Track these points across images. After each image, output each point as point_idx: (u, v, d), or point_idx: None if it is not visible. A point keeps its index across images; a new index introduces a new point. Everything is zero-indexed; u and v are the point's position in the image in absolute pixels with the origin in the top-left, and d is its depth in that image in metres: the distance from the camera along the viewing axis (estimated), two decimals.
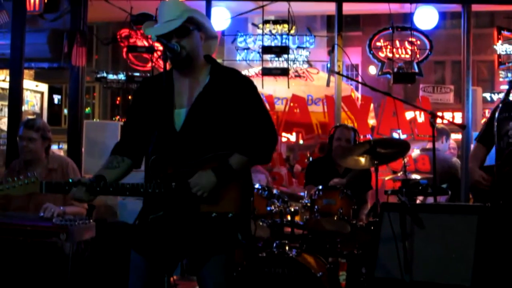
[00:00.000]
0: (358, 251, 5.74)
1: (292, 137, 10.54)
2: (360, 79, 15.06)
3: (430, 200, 6.43)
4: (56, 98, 24.43)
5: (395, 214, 4.82)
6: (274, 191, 5.95)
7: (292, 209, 5.80)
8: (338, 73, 8.05)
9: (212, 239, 3.62)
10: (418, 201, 6.31)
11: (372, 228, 5.72)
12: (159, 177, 3.58)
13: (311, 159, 9.00)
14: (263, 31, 9.36)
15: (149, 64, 9.36)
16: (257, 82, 3.91)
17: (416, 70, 9.08)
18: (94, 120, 23.30)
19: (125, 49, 9.36)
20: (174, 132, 3.67)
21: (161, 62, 3.94)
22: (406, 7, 9.07)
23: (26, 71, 9.82)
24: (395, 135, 8.91)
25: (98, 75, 10.16)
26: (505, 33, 9.68)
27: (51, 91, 19.42)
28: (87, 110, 24.32)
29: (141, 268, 3.69)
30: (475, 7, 9.14)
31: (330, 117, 9.24)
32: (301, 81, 11.46)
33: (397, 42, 9.24)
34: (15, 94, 8.77)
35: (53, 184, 3.68)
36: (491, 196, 5.35)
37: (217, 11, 9.14)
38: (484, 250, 4.63)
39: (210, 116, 3.67)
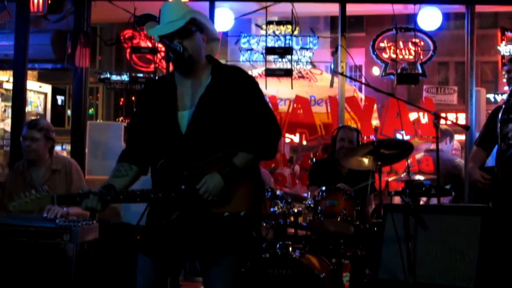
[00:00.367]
0: (362, 252, 5.73)
1: (296, 138, 10.54)
2: (363, 80, 15.04)
3: (434, 201, 6.42)
4: (60, 99, 24.48)
5: (399, 215, 4.81)
6: (277, 192, 5.95)
7: (296, 210, 5.80)
8: (342, 74, 8.04)
9: (226, 238, 3.62)
10: (421, 202, 6.31)
11: (375, 229, 5.72)
12: (169, 181, 3.57)
13: (314, 160, 9.00)
14: (266, 32, 9.36)
15: (153, 65, 9.36)
16: (260, 83, 3.90)
17: (420, 71, 9.07)
18: (98, 121, 23.34)
19: (128, 50, 9.37)
20: (179, 135, 3.67)
21: (164, 63, 3.96)
22: (410, 8, 9.06)
23: (29, 72, 9.81)
24: (399, 136, 8.89)
25: (102, 76, 10.16)
26: (509, 34, 9.67)
27: (55, 92, 19.43)
28: (91, 111, 24.34)
29: (149, 271, 3.69)
30: (479, 8, 9.13)
31: (333, 118, 9.23)
32: (305, 82, 11.47)
33: (401, 43, 9.23)
34: (19, 95, 8.78)
35: (65, 196, 3.67)
36: (491, 196, 5.35)
37: (221, 12, 9.13)
38: (488, 251, 4.62)
39: (214, 116, 3.66)
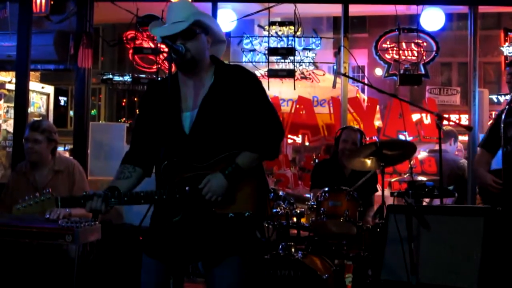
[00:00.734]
0: (364, 253, 5.73)
1: (298, 139, 10.53)
2: (366, 81, 15.03)
3: (437, 202, 6.41)
4: (62, 99, 24.50)
5: (401, 216, 4.81)
6: (280, 193, 5.94)
7: (298, 211, 5.80)
8: (344, 74, 8.02)
9: (230, 239, 3.62)
10: (424, 203, 6.30)
11: (378, 230, 5.71)
12: (173, 182, 3.56)
13: (317, 161, 8.99)
14: (269, 33, 9.35)
15: (155, 66, 9.35)
16: (263, 83, 3.89)
17: (423, 72, 9.06)
18: (100, 121, 23.38)
19: (131, 51, 9.36)
20: (183, 136, 3.66)
21: (166, 64, 3.96)
22: (413, 9, 9.05)
23: (32, 73, 9.83)
24: (402, 137, 8.88)
25: (104, 77, 10.17)
26: None
27: (57, 93, 19.45)
28: (93, 112, 24.37)
29: (153, 272, 3.69)
30: (482, 9, 9.11)
31: (336, 118, 9.22)
32: (307, 82, 11.43)
33: (404, 44, 9.21)
34: (21, 96, 8.77)
35: (69, 199, 3.67)
36: (500, 199, 5.34)
37: (223, 13, 9.13)
38: (491, 252, 4.61)
39: (218, 116, 3.65)
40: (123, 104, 26.85)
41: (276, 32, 9.42)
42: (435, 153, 8.65)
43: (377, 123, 10.15)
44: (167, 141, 3.60)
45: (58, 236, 4.83)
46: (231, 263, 3.63)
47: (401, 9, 9.17)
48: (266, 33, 9.48)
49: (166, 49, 8.39)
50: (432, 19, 8.99)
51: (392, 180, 7.79)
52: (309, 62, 10.22)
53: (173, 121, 3.65)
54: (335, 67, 8.25)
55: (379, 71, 17.25)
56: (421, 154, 9.17)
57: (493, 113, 14.84)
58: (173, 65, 3.67)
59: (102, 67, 23.41)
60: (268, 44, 9.34)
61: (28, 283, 5.12)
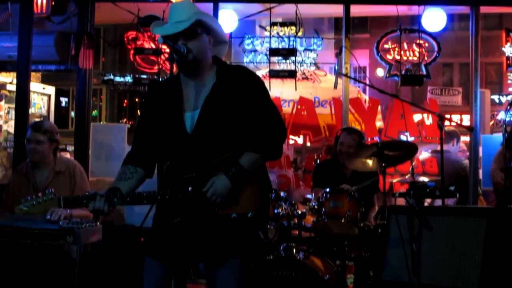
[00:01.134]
0: (366, 253, 5.72)
1: (300, 140, 10.51)
2: (367, 81, 15.02)
3: (438, 202, 6.40)
4: (63, 100, 24.53)
5: (403, 216, 4.81)
6: (281, 193, 5.94)
7: (300, 212, 5.80)
8: (346, 75, 8.02)
9: (233, 240, 3.61)
10: (426, 204, 6.29)
11: (379, 230, 5.71)
12: (175, 183, 3.55)
13: (318, 161, 8.98)
14: (270, 33, 9.34)
15: (156, 66, 9.35)
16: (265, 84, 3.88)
17: (424, 72, 9.05)
18: (101, 122, 23.39)
19: (132, 52, 9.36)
20: (186, 136, 3.65)
21: (168, 64, 3.94)
22: (414, 9, 9.04)
23: (33, 74, 9.81)
24: (403, 138, 8.87)
25: (105, 78, 10.18)
26: None
27: (58, 94, 19.45)
28: (94, 112, 24.39)
29: (156, 273, 3.68)
30: (484, 9, 9.10)
31: (337, 119, 9.20)
32: (309, 83, 11.46)
33: (405, 44, 9.20)
34: (22, 97, 8.78)
35: (71, 199, 3.66)
36: (505, 197, 5.35)
37: (225, 13, 9.13)
38: (493, 253, 4.60)
39: (220, 117, 3.64)
40: (124, 105, 26.87)
41: (278, 33, 9.43)
42: (437, 154, 8.64)
43: (379, 123, 10.14)
44: (170, 142, 3.59)
45: (59, 237, 4.83)
46: (233, 264, 3.62)
47: (403, 10, 9.16)
48: (267, 33, 9.48)
49: (167, 50, 8.39)
50: (434, 19, 8.98)
51: (394, 180, 7.77)
52: (310, 63, 10.23)
53: (175, 121, 3.64)
54: (336, 67, 8.23)
55: (380, 72, 17.28)
56: (423, 154, 9.16)
57: (495, 113, 14.88)
58: (174, 66, 3.66)
59: (103, 67, 23.43)
60: (270, 44, 9.34)
61: (29, 283, 5.13)
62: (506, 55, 9.39)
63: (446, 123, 5.93)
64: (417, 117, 9.63)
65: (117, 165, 3.90)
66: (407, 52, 9.21)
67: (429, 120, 9.20)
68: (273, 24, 9.33)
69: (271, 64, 9.38)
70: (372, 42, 9.73)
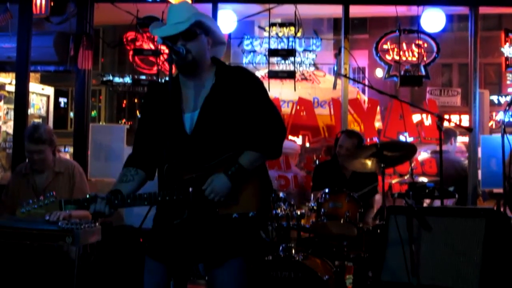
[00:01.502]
0: (365, 254, 5.72)
1: (299, 140, 10.51)
2: (366, 82, 15.03)
3: (437, 203, 6.41)
4: (62, 101, 24.51)
5: (402, 217, 4.81)
6: (281, 194, 5.93)
7: (299, 212, 5.80)
8: (345, 76, 8.03)
9: (234, 240, 3.61)
10: (425, 204, 6.30)
11: (378, 231, 5.71)
12: (176, 184, 3.55)
13: (317, 162, 8.98)
14: (269, 34, 9.34)
15: (155, 67, 9.35)
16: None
17: (423, 73, 9.05)
18: (100, 123, 23.35)
19: (131, 52, 9.36)
20: (185, 137, 3.65)
21: (167, 65, 3.94)
22: (413, 10, 9.04)
23: (32, 74, 9.81)
24: (402, 138, 8.88)
25: (104, 78, 10.14)
26: None
27: (57, 94, 19.46)
28: (93, 113, 24.38)
29: (157, 274, 3.68)
30: (483, 10, 9.11)
31: (336, 120, 9.21)
32: (308, 84, 11.45)
33: (404, 45, 9.20)
34: (21, 97, 8.78)
35: (72, 201, 3.66)
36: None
37: (224, 14, 9.13)
38: (492, 254, 4.60)
39: (220, 118, 3.65)
40: (123, 105, 26.86)
41: (277, 33, 9.42)
42: (437, 154, 8.65)
43: (378, 124, 10.14)
44: (169, 143, 3.59)
45: (58, 237, 4.83)
46: (234, 264, 3.63)
47: (402, 10, 9.17)
48: (266, 34, 9.47)
49: (166, 51, 8.39)
50: (433, 20, 8.98)
51: (393, 181, 7.77)
52: (309, 63, 10.21)
53: (174, 122, 3.64)
54: (335, 68, 8.22)
55: (379, 72, 17.23)
56: (422, 155, 9.17)
57: (494, 114, 14.87)
58: (173, 67, 3.66)
59: (102, 68, 23.40)
60: (269, 45, 9.33)
61: (28, 284, 5.13)
62: (505, 55, 9.38)
63: (445, 123, 5.93)
64: (416, 118, 9.63)
65: (116, 165, 3.91)
66: (406, 53, 9.21)
67: (428, 120, 9.20)
68: (272, 24, 9.33)
69: (270, 64, 9.38)
70: (371, 42, 9.73)
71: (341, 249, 5.83)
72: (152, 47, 9.29)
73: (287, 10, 9.06)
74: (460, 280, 4.61)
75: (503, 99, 15.40)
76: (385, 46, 9.33)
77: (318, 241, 5.96)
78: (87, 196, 3.56)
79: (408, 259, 4.65)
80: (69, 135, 10.71)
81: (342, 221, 5.72)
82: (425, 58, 9.13)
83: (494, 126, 14.18)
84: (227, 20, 9.14)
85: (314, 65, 10.39)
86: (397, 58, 9.16)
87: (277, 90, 9.95)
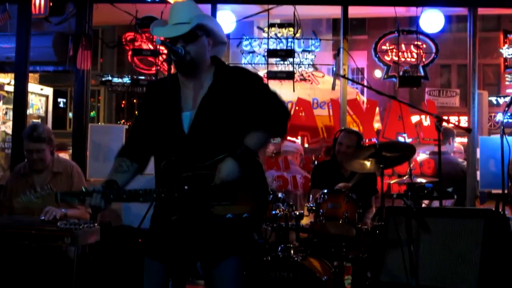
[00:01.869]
0: (364, 255, 5.71)
1: (298, 141, 10.50)
2: (365, 83, 15.05)
3: (436, 204, 6.41)
4: (61, 101, 24.46)
5: (401, 218, 4.81)
6: (279, 194, 5.94)
7: (297, 213, 5.80)
8: (344, 76, 8.02)
9: (228, 240, 3.62)
10: (423, 205, 6.29)
11: (377, 232, 5.70)
12: (172, 181, 3.55)
13: (316, 162, 8.98)
14: (268, 35, 9.34)
15: (154, 68, 9.35)
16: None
17: (422, 74, 9.05)
18: (99, 123, 23.32)
19: (130, 53, 9.36)
20: (183, 135, 3.65)
21: (166, 66, 3.95)
22: (412, 11, 9.05)
23: (31, 75, 9.80)
24: (401, 139, 8.87)
25: (103, 79, 10.14)
26: (511, 36, 9.63)
27: (56, 95, 19.42)
28: (92, 113, 24.34)
29: (156, 273, 3.68)
30: (481, 11, 9.12)
31: (335, 120, 9.21)
32: (307, 84, 11.42)
33: (403, 46, 9.20)
34: (20, 98, 8.78)
35: (68, 193, 3.68)
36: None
37: (223, 14, 9.13)
38: (490, 255, 4.61)
39: (217, 117, 3.65)
40: (122, 106, 26.79)
41: (276, 34, 9.42)
42: (436, 155, 8.65)
43: (377, 125, 10.14)
44: (167, 141, 3.60)
45: (57, 238, 4.83)
46: (230, 264, 3.63)
47: (401, 11, 9.17)
48: (265, 34, 9.48)
49: (165, 51, 8.39)
50: (432, 21, 8.98)
51: (392, 182, 7.77)
52: (308, 64, 10.20)
53: (172, 120, 3.64)
54: (334, 69, 8.22)
55: (378, 73, 17.28)
56: (420, 156, 9.17)
57: (492, 115, 14.86)
58: (172, 66, 3.66)
59: (101, 68, 23.37)
60: (268, 46, 9.34)
61: (27, 284, 5.13)
62: (504, 56, 9.39)
63: (444, 124, 5.93)
64: (415, 119, 9.62)
65: None
66: (405, 54, 9.21)
67: (427, 121, 9.20)
68: (271, 25, 9.34)
69: (269, 65, 9.39)
70: (370, 43, 9.72)
71: (339, 250, 5.82)
72: (151, 47, 9.29)
73: (286, 10, 9.06)
74: (458, 281, 4.61)
75: (501, 100, 15.36)
76: (384, 47, 9.33)
77: (316, 241, 5.96)
78: (83, 189, 3.56)
79: (406, 260, 4.65)
80: (68, 135, 10.70)
81: (341, 222, 5.71)
82: (424, 59, 9.13)
83: (493, 127, 14.20)
84: (226, 21, 9.13)
85: (313, 65, 10.37)
86: (396, 58, 9.16)
87: (276, 91, 9.94)
